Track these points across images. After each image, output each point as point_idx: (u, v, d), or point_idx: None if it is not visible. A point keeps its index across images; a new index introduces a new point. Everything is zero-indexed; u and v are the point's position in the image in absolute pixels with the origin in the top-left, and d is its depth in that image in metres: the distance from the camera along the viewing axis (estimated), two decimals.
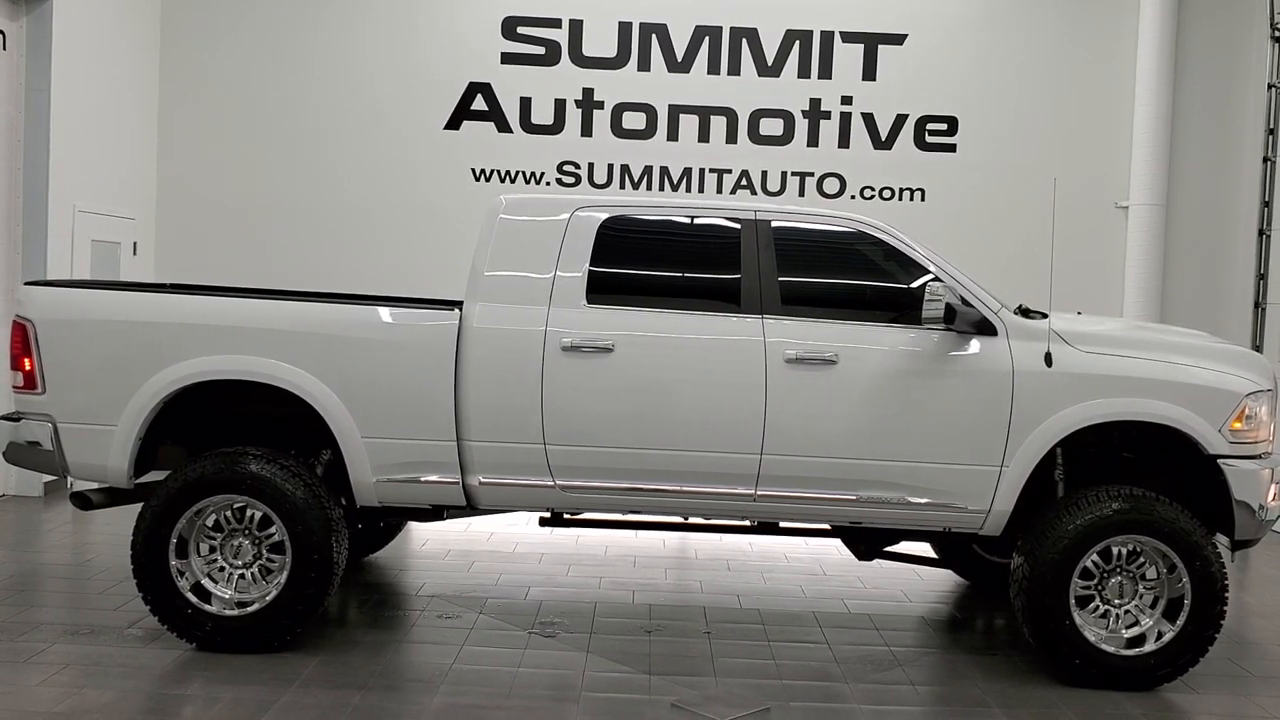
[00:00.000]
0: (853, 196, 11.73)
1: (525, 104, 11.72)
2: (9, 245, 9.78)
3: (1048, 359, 6.06)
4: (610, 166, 11.73)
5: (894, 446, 6.10)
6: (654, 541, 8.97)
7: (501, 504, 6.40)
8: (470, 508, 6.40)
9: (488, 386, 6.15)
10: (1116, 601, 6.08)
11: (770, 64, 11.71)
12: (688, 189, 11.74)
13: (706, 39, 11.71)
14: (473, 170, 11.71)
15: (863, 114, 11.75)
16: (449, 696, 5.63)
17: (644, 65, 11.71)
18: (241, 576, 6.17)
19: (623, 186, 11.72)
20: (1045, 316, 6.37)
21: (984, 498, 6.11)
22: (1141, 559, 6.06)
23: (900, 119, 11.76)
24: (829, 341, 6.14)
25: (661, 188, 11.73)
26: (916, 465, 6.10)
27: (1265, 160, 11.57)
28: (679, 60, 11.71)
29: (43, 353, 6.20)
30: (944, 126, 11.77)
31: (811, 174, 11.77)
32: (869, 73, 11.74)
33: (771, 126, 11.76)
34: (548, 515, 6.64)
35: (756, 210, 6.44)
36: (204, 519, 6.14)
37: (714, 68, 11.74)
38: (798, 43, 11.71)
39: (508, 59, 11.71)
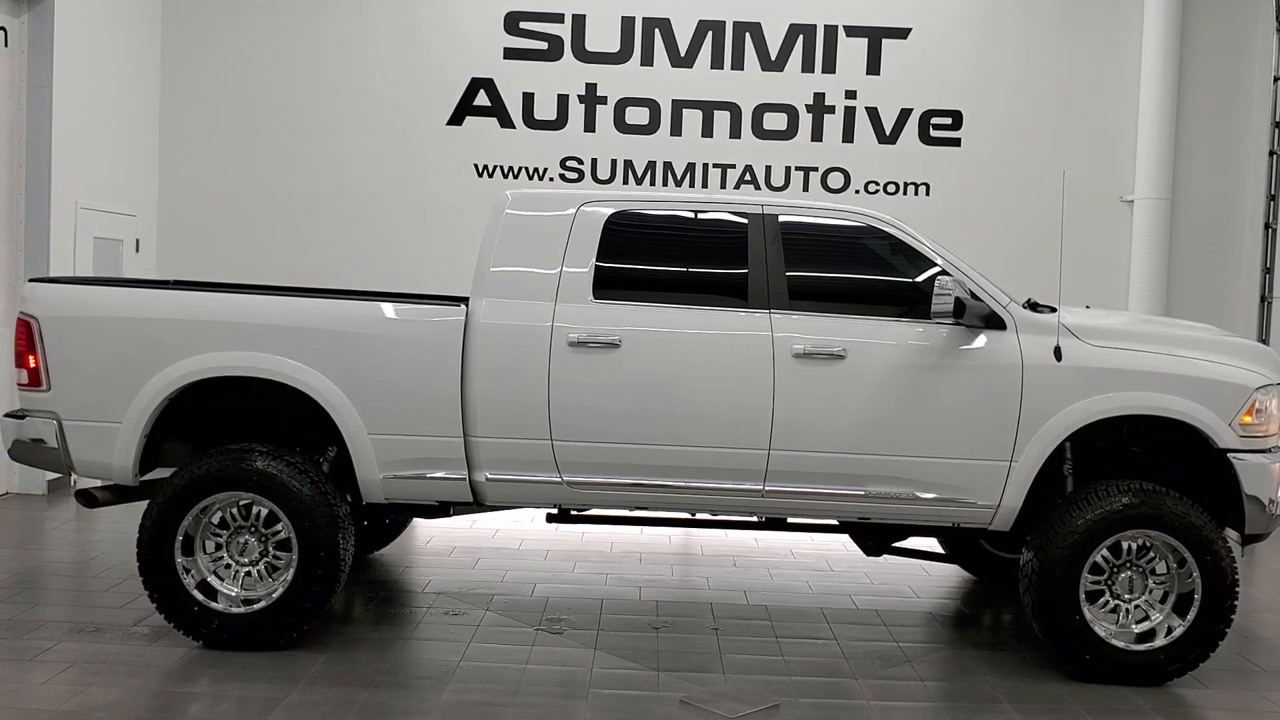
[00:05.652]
0: (857, 191, 11.70)
1: (528, 99, 11.70)
2: (11, 242, 9.75)
3: (1057, 353, 6.02)
4: (614, 162, 11.70)
5: (903, 441, 6.07)
6: (659, 538, 8.95)
7: (508, 500, 6.37)
8: (477, 504, 6.38)
9: (494, 382, 6.12)
10: (1126, 596, 6.05)
11: (774, 58, 11.68)
12: (691, 184, 11.72)
13: (710, 33, 11.68)
14: (475, 166, 11.68)
15: (867, 108, 11.72)
16: (457, 694, 5.61)
17: (647, 60, 11.68)
18: (248, 574, 6.15)
19: (626, 182, 11.70)
20: (1054, 311, 6.34)
21: (993, 493, 6.08)
22: (1151, 554, 6.03)
23: (904, 113, 11.72)
24: (837, 336, 6.10)
25: (665, 183, 11.70)
26: (925, 460, 6.07)
27: (1271, 154, 11.55)
28: (682, 55, 11.68)
29: (47, 350, 6.16)
30: (948, 120, 11.74)
31: (815, 169, 11.73)
32: (873, 67, 11.71)
33: (775, 121, 11.73)
34: (554, 511, 6.60)
35: (764, 204, 6.41)
36: (210, 516, 6.12)
37: (717, 62, 11.71)
38: (801, 37, 11.67)
39: (510, 54, 11.68)
